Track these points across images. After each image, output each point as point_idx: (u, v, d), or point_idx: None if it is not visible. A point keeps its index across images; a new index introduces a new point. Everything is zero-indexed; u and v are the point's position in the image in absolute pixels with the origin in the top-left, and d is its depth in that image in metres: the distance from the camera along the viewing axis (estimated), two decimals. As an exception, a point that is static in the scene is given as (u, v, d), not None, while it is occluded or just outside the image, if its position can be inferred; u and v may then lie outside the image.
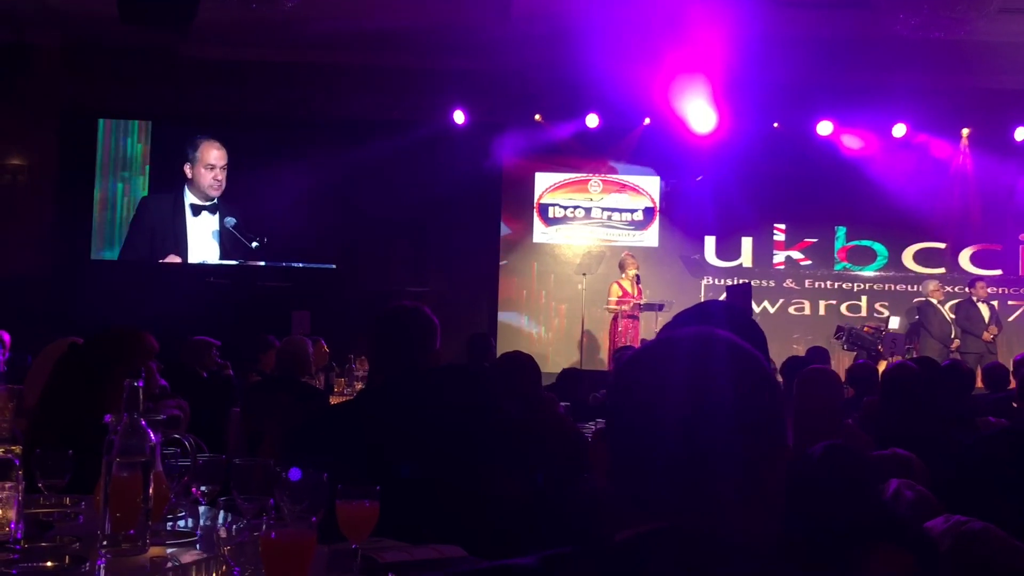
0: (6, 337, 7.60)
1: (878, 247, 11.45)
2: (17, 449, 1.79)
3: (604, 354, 10.66)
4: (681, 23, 9.37)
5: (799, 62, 10.08)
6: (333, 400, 6.25)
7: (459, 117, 10.92)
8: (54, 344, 4.10)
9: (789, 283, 11.39)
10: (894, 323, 10.43)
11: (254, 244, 10.94)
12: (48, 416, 2.72)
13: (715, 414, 1.07)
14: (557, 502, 2.77)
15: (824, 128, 11.08)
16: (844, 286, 11.43)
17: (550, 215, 11.48)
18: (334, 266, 11.14)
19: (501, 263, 11.37)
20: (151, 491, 1.73)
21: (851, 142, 11.21)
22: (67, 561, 1.60)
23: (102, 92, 10.69)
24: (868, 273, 11.44)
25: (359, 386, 7.15)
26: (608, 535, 1.09)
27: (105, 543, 1.66)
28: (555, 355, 10.87)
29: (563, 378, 8.48)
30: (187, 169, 11.05)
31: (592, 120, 10.97)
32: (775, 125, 11.01)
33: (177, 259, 11.09)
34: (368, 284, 10.67)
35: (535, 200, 11.47)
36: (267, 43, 10.48)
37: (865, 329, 10.10)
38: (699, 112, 10.67)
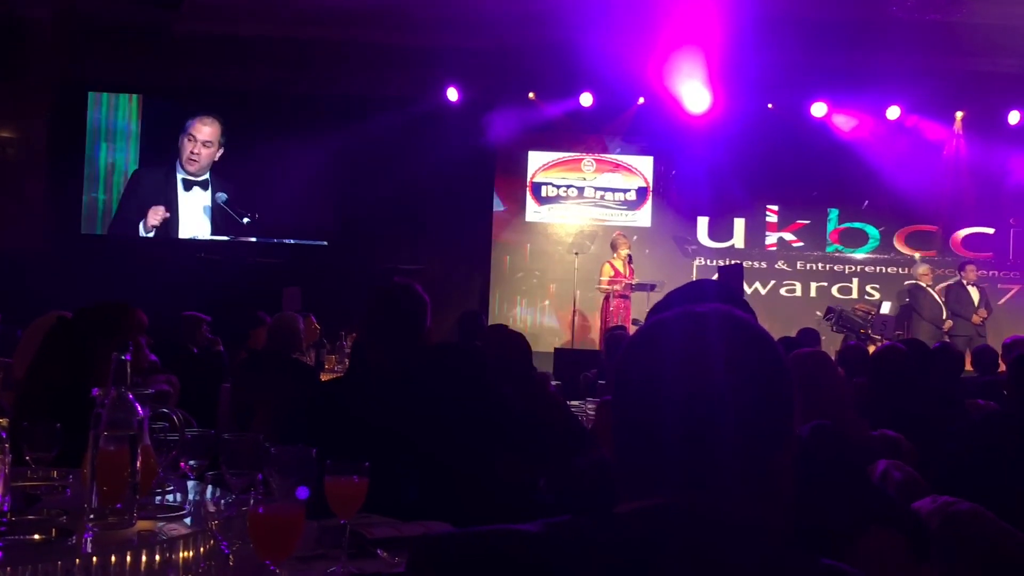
0: (-5, 311, 7.56)
1: (870, 229, 11.47)
2: (4, 422, 1.78)
3: (595, 334, 10.67)
4: (676, 2, 9.33)
5: (794, 43, 10.04)
6: (324, 377, 6.24)
7: (452, 95, 10.87)
8: (43, 318, 4.07)
9: (781, 264, 11.40)
10: (885, 308, 10.46)
11: (245, 220, 10.89)
12: (36, 389, 2.71)
13: (710, 392, 1.06)
14: (550, 481, 2.78)
15: (818, 110, 11.06)
16: (836, 268, 11.45)
17: (543, 194, 11.45)
18: (325, 243, 11.10)
19: (493, 241, 11.35)
20: (139, 465, 1.72)
21: (845, 124, 11.19)
22: (54, 534, 1.59)
23: (94, 66, 10.60)
24: (860, 255, 11.46)
25: (348, 364, 7.13)
26: (608, 507, 1.10)
27: (92, 516, 1.65)
28: (547, 334, 10.89)
29: (555, 357, 8.52)
30: (181, 141, 10.98)
31: (586, 99, 10.93)
32: (769, 106, 10.99)
33: (163, 214, 10.94)
34: (360, 261, 10.63)
35: (528, 179, 11.44)
36: (261, 18, 10.39)
37: (856, 309, 10.13)
38: (693, 92, 10.63)
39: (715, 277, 10.91)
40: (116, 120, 11.18)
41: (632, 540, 1.02)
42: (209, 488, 1.98)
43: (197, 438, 2.24)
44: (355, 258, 10.72)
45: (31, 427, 2.22)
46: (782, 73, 10.52)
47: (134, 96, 11.18)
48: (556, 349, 9.33)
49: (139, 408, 1.72)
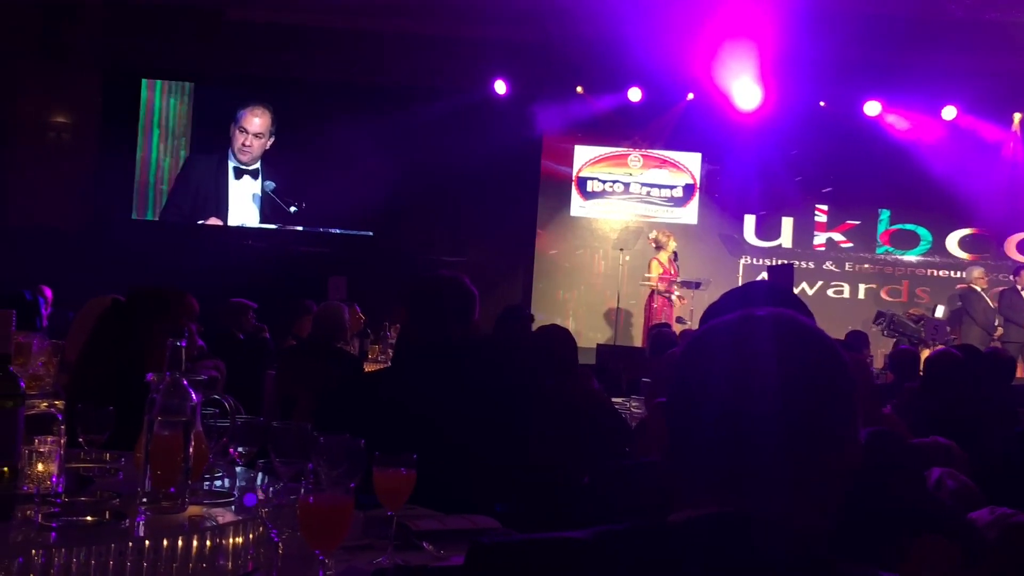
0: (48, 292, 7.72)
1: (922, 231, 11.25)
2: (60, 404, 1.80)
3: (637, 331, 10.60)
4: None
5: (848, 39, 9.87)
6: (367, 367, 6.27)
7: (500, 87, 10.85)
8: (96, 300, 4.14)
9: (829, 265, 11.24)
10: (939, 312, 10.26)
11: (292, 209, 10.99)
12: (89, 371, 2.74)
13: (769, 398, 1.04)
14: (594, 478, 2.76)
15: (872, 108, 10.86)
16: (885, 270, 11.26)
17: (588, 189, 11.40)
18: (371, 233, 11.16)
19: (537, 236, 11.32)
20: (191, 450, 1.73)
21: (899, 123, 10.98)
22: (107, 516, 1.60)
23: (147, 52, 10.74)
24: (911, 258, 11.25)
25: (391, 354, 7.16)
26: (659, 514, 1.08)
27: (145, 500, 1.67)
28: (589, 330, 10.84)
29: (598, 354, 8.48)
30: (232, 132, 11.12)
31: (634, 94, 10.84)
32: (821, 104, 10.82)
33: (218, 221, 11.18)
34: (404, 252, 10.68)
35: (574, 173, 11.38)
36: (312, 7, 10.46)
37: (909, 314, 9.94)
38: (744, 88, 10.50)
39: (763, 276, 10.79)
40: (168, 107, 11.34)
41: (688, 551, 1.00)
42: (259, 476, 1.99)
43: (247, 425, 2.25)
44: (399, 249, 10.76)
45: (84, 409, 2.24)
46: (835, 70, 10.35)
47: (186, 84, 11.33)
48: (599, 345, 9.28)
49: (193, 394, 1.73)
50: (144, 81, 11.23)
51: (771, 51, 9.95)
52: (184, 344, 1.72)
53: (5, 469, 1.46)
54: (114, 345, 2.77)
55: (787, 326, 1.11)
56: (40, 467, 1.71)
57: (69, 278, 8.73)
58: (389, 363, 6.94)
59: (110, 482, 1.96)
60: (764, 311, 1.13)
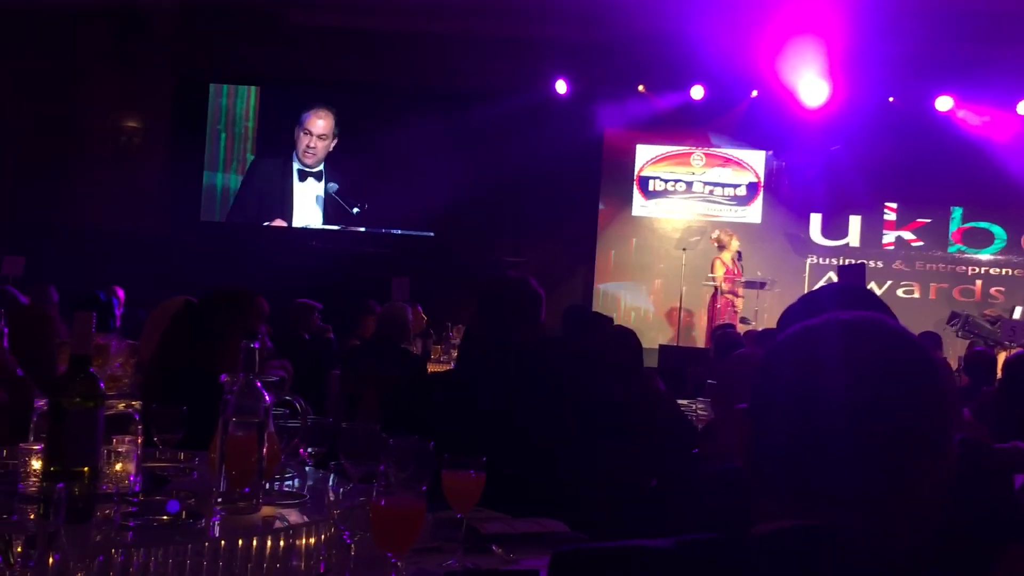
0: (121, 293, 7.91)
1: (996, 229, 10.92)
2: (137, 404, 1.83)
3: (700, 331, 10.48)
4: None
5: (919, 33, 9.61)
6: (430, 367, 6.30)
7: (561, 87, 10.81)
8: (168, 301, 4.22)
9: (899, 264, 10.97)
10: (1017, 313, 9.93)
11: (355, 210, 11.11)
12: (162, 371, 2.79)
13: (863, 405, 1.00)
14: (661, 481, 2.72)
15: (943, 103, 10.56)
16: (958, 269, 10.95)
17: (650, 188, 11.30)
18: (432, 234, 11.22)
19: (599, 235, 11.27)
20: (264, 451, 1.74)
21: (971, 119, 10.67)
22: (183, 516, 1.62)
23: (214, 57, 10.95)
24: (984, 256, 10.93)
25: (455, 354, 7.18)
26: (737, 523, 1.05)
27: (220, 500, 1.68)
28: (650, 330, 10.73)
29: (660, 354, 8.40)
30: (296, 134, 11.29)
31: (697, 92, 10.71)
32: (890, 99, 10.56)
33: (282, 223, 11.35)
34: (465, 253, 10.71)
35: (635, 173, 11.30)
36: (374, 11, 10.55)
37: (986, 314, 9.64)
38: (810, 84, 10.29)
39: (831, 276, 10.59)
40: (235, 111, 11.55)
41: (772, 565, 0.97)
42: (332, 477, 2.00)
43: (316, 426, 2.27)
44: (460, 249, 10.80)
45: (159, 409, 2.28)
46: (905, 65, 10.09)
47: (252, 88, 11.53)
48: (661, 346, 9.20)
49: (266, 395, 1.74)
50: (211, 86, 11.46)
51: (838, 46, 9.74)
52: (257, 346, 1.73)
53: (86, 469, 1.49)
54: (187, 346, 2.82)
55: (877, 331, 1.07)
56: (118, 466, 1.74)
57: (140, 279, 8.94)
58: (452, 363, 6.98)
59: (185, 481, 1.99)
60: (850, 315, 1.09)
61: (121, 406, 1.82)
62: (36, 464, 1.63)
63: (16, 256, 6.81)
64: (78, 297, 6.25)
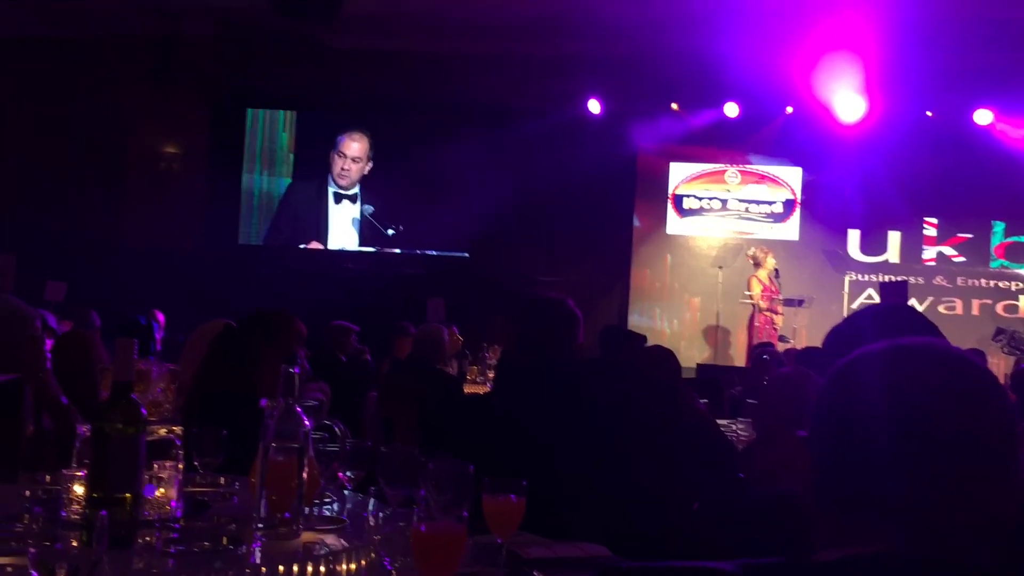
0: (160, 317, 8.00)
1: (1040, 244, 10.73)
2: (178, 430, 1.84)
3: (737, 349, 10.38)
4: (827, 4, 8.97)
5: (955, 46, 9.49)
6: (466, 388, 6.29)
7: (594, 106, 10.81)
8: (207, 325, 4.25)
9: (940, 280, 10.79)
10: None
11: (390, 232, 11.17)
12: (203, 395, 2.80)
13: (927, 432, 0.99)
14: (704, 504, 2.68)
15: (982, 117, 10.41)
16: (1001, 284, 10.75)
17: (685, 206, 11.24)
18: (466, 254, 11.25)
19: (633, 254, 11.22)
20: (304, 476, 1.73)
21: (1011, 131, 10.50)
22: (224, 542, 1.61)
23: (251, 82, 11.11)
24: (1027, 271, 10.74)
25: (491, 374, 7.17)
26: (791, 549, 1.04)
27: (261, 526, 1.68)
28: (686, 349, 10.65)
29: (698, 373, 8.33)
30: (331, 157, 11.40)
31: (731, 109, 10.65)
32: (928, 113, 10.43)
33: (318, 245, 11.44)
34: (500, 273, 10.72)
35: (670, 191, 11.25)
36: (408, 32, 10.64)
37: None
38: (845, 99, 10.20)
39: (869, 293, 10.45)
40: (272, 134, 11.69)
41: None
42: (371, 501, 1.99)
43: (355, 449, 2.26)
44: (495, 269, 10.81)
45: (200, 433, 2.28)
46: (942, 78, 9.97)
47: (288, 112, 11.67)
48: (699, 365, 9.12)
49: (306, 420, 1.74)
50: (248, 110, 11.61)
51: (874, 60, 9.65)
52: (297, 371, 1.73)
53: (128, 496, 1.49)
54: (226, 369, 2.83)
55: (945, 358, 1.06)
56: (159, 492, 1.74)
57: (178, 302, 9.05)
58: (488, 384, 6.96)
59: (226, 506, 1.98)
60: (908, 340, 1.08)
61: (162, 431, 1.82)
62: (79, 490, 1.64)
63: (58, 282, 6.92)
64: (119, 321, 6.33)
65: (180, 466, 1.83)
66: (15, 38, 11.51)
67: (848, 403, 1.04)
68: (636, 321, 10.97)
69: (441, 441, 2.96)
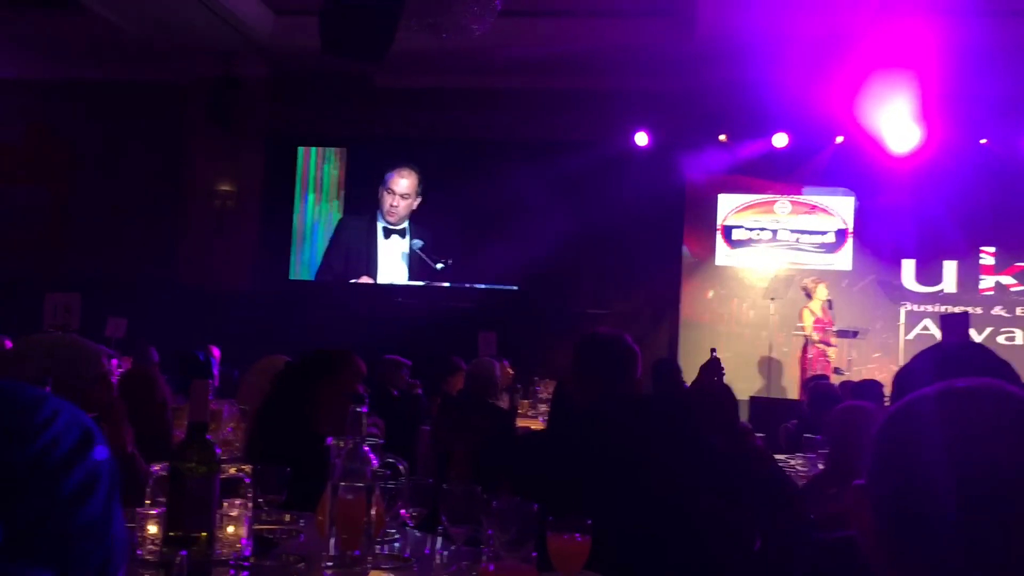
0: (216, 352, 8.12)
1: (1101, 271, 10.45)
2: (247, 468, 1.86)
3: (790, 382, 10.23)
4: (878, 33, 8.91)
5: (1008, 72, 9.36)
6: (518, 422, 6.27)
7: (642, 139, 10.82)
8: (264, 361, 4.31)
9: (999, 310, 10.54)
10: None
11: (439, 266, 11.24)
12: (265, 432, 2.83)
13: (996, 482, 0.94)
14: (766, 544, 2.63)
15: (1039, 144, 10.22)
16: (1062, 313, 10.48)
17: (734, 237, 11.16)
18: (516, 287, 11.27)
19: (683, 286, 11.15)
20: (373, 514, 1.75)
21: (1070, 158, 10.29)
22: (295, 581, 1.62)
23: (302, 120, 11.33)
24: (1091, 300, 10.45)
25: (543, 408, 7.15)
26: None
27: (331, 564, 1.69)
28: (738, 381, 10.48)
29: (750, 406, 8.21)
30: (380, 194, 11.55)
31: (780, 139, 10.59)
32: (982, 141, 10.27)
33: (368, 279, 11.55)
34: (550, 305, 10.72)
35: (719, 222, 11.18)
36: (455, 69, 10.78)
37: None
38: (898, 128, 10.09)
39: (927, 324, 10.25)
40: (323, 171, 11.89)
41: None
42: (435, 539, 1.99)
43: (418, 486, 2.27)
44: (545, 302, 10.81)
45: (264, 470, 2.31)
46: (996, 105, 9.82)
47: (339, 148, 11.88)
48: (752, 398, 9.00)
49: (373, 459, 1.75)
50: (300, 148, 11.84)
51: (927, 88, 9.54)
52: (365, 410, 1.75)
53: (203, 534, 1.51)
54: (288, 407, 2.86)
55: (1005, 400, 1.00)
56: (230, 529, 1.77)
57: (232, 337, 9.19)
58: (540, 418, 6.94)
59: (293, 544, 2.01)
60: (969, 383, 1.02)
61: (232, 470, 1.85)
62: (152, 529, 1.66)
63: (119, 318, 7.07)
64: (176, 357, 6.43)
65: (249, 504, 1.86)
66: (78, 80, 11.90)
67: (899, 454, 1.00)
68: (686, 353, 10.87)
69: (495, 477, 2.96)
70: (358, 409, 1.76)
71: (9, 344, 4.89)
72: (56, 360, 2.18)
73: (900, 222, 10.50)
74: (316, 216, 11.85)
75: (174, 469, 1.51)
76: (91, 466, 0.82)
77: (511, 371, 7.38)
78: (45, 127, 12.11)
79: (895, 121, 9.98)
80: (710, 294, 11.13)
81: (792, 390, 10.04)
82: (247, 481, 1.87)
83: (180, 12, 9.74)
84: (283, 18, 10.40)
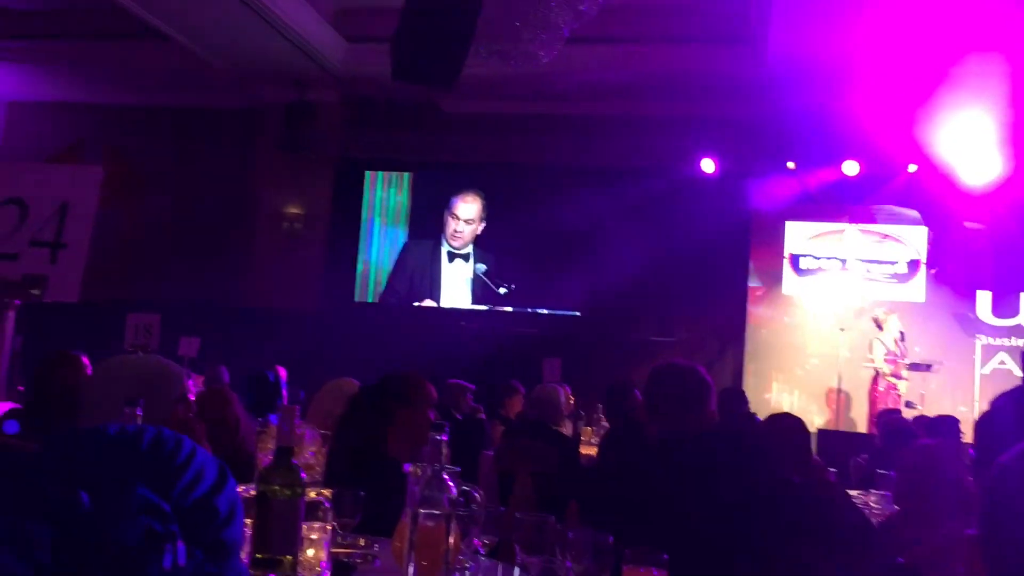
0: (282, 372, 8.23)
1: None
2: (327, 492, 1.88)
3: (859, 415, 9.99)
4: (952, 58, 8.74)
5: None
6: (582, 450, 6.23)
7: (708, 165, 10.74)
8: (332, 383, 4.36)
9: (1079, 345, 10.19)
10: None
11: (502, 290, 11.27)
12: (339, 455, 2.86)
13: None
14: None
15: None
16: None
17: (802, 266, 10.98)
18: (578, 313, 11.24)
19: (748, 315, 10.99)
20: (451, 541, 1.75)
21: None
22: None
23: (371, 145, 11.51)
24: None
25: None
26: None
27: (409, 592, 1.69)
28: (805, 413, 10.28)
29: (819, 439, 8.04)
30: (445, 218, 11.66)
31: (850, 167, 10.41)
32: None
33: (432, 303, 11.64)
34: (612, 332, 10.66)
35: (786, 250, 11.02)
36: (522, 96, 10.87)
37: None
38: (973, 157, 9.84)
39: (1003, 358, 9.94)
40: (389, 196, 12.05)
41: None
42: (505, 567, 1.98)
43: (490, 515, 2.27)
44: (608, 328, 10.75)
45: (339, 494, 2.33)
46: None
47: (404, 173, 12.03)
48: (820, 430, 8.81)
49: (452, 487, 1.76)
50: (367, 172, 12.02)
51: (1001, 116, 9.31)
52: (445, 438, 1.75)
53: (288, 558, 1.53)
54: (363, 430, 2.89)
55: None
56: (310, 553, 1.78)
57: (297, 358, 9.31)
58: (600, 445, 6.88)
59: (369, 569, 2.01)
60: None
61: (313, 494, 1.87)
62: (236, 549, 1.68)
63: (192, 337, 7.23)
64: (247, 377, 6.53)
65: (328, 528, 1.87)
66: (156, 106, 12.28)
67: (1018, 503, 0.97)
68: (751, 383, 10.70)
69: (562, 505, 2.94)
70: (438, 437, 1.76)
71: (86, 361, 5.03)
72: (144, 381, 2.24)
73: (975, 252, 10.23)
74: (381, 239, 11.99)
75: (261, 492, 1.53)
76: (232, 495, 0.98)
77: (572, 398, 7.34)
78: (122, 151, 12.50)
79: (969, 150, 9.75)
80: (776, 324, 10.95)
81: (861, 423, 9.81)
82: (327, 505, 1.88)
83: (258, 41, 9.99)
84: (354, 45, 10.60)
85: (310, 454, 2.05)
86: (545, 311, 11.32)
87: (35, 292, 1.49)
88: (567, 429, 7.07)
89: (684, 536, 2.42)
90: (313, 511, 1.87)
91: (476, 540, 2.29)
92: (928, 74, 8.86)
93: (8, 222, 1.57)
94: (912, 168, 10.33)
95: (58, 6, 10.74)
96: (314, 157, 11.54)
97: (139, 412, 1.70)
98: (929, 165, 10.12)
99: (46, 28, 11.01)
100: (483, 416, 7.14)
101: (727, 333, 11.03)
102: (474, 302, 11.53)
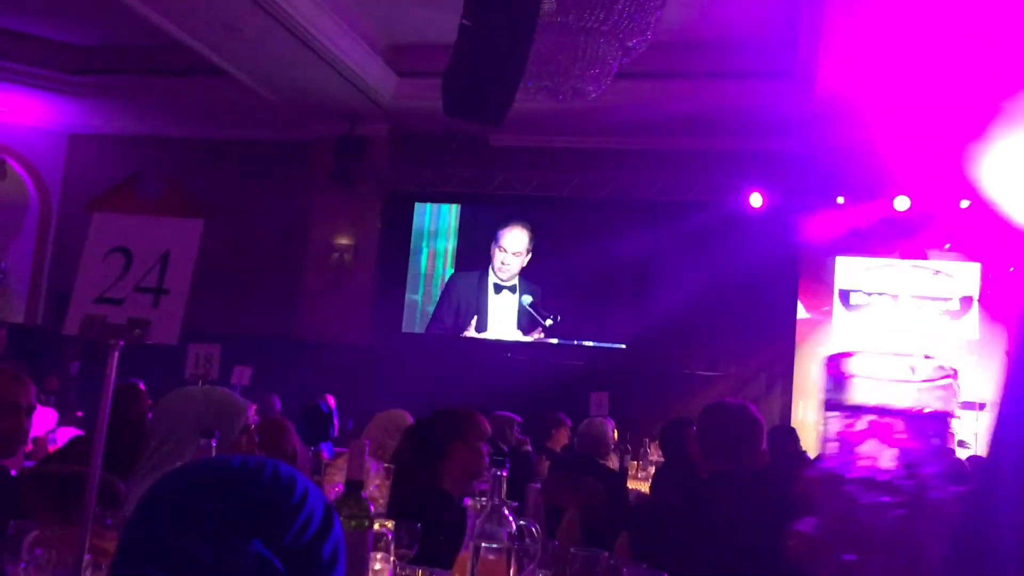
0: (331, 401, 8.35)
1: None
2: (390, 524, 1.93)
3: (911, 453, 9.82)
4: (1003, 93, 8.65)
5: None
6: (629, 484, 6.22)
7: (756, 200, 10.70)
8: (383, 415, 4.42)
9: None
10: None
11: (548, 321, 11.31)
12: (396, 488, 2.91)
13: None
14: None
15: None
16: None
17: (852, 302, 10.87)
18: (624, 346, 11.22)
19: (797, 350, 10.89)
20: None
21: None
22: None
23: (419, 177, 11.68)
24: None
25: (652, 471, 7.08)
26: None
27: (470, 625, 1.73)
28: (855, 450, 10.16)
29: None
30: (492, 250, 11.75)
31: (901, 202, 10.32)
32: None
33: (478, 334, 11.71)
34: (658, 366, 10.63)
35: (836, 285, 10.92)
36: (570, 130, 10.97)
37: None
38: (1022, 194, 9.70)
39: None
40: (437, 227, 12.20)
41: None
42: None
43: (547, 549, 2.31)
44: (654, 362, 10.72)
45: (397, 525, 2.38)
46: None
47: (453, 205, 12.17)
48: (869, 468, 8.67)
49: (512, 521, 1.80)
50: (416, 204, 12.18)
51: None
52: (505, 474, 1.80)
53: (356, 588, 1.58)
54: (415, 464, 2.94)
55: None
56: (373, 584, 1.83)
57: (345, 387, 9.43)
58: (649, 480, 6.86)
59: (428, 601, 2.06)
60: None
61: (376, 526, 1.92)
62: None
63: (245, 366, 7.37)
64: (302, 408, 6.65)
65: (391, 558, 1.92)
66: (212, 139, 12.59)
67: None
68: (800, 419, 10.57)
69: (606, 539, 2.96)
70: (499, 473, 1.81)
71: (142, 387, 5.16)
72: (214, 412, 2.32)
73: (1030, 289, 10.05)
74: (429, 270, 12.13)
75: (331, 524, 1.59)
76: (336, 537, 0.99)
77: (616, 431, 7.33)
78: (180, 182, 12.82)
79: (1019, 186, 9.62)
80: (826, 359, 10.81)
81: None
82: (390, 536, 1.94)
83: (312, 77, 10.23)
84: (405, 80, 10.80)
85: (373, 487, 2.10)
86: (591, 343, 11.33)
87: (138, 333, 1.57)
88: (613, 463, 7.07)
89: (738, 572, 2.43)
90: (377, 542, 1.92)
91: (532, 575, 2.33)
92: (979, 109, 8.78)
93: (114, 270, 1.65)
94: (964, 203, 10.21)
95: (118, 42, 11.11)
96: (364, 189, 11.73)
97: (214, 443, 1.77)
98: (981, 200, 10.00)
99: (106, 63, 11.39)
100: (529, 448, 7.15)
101: (776, 368, 10.94)
102: (521, 333, 11.58)
